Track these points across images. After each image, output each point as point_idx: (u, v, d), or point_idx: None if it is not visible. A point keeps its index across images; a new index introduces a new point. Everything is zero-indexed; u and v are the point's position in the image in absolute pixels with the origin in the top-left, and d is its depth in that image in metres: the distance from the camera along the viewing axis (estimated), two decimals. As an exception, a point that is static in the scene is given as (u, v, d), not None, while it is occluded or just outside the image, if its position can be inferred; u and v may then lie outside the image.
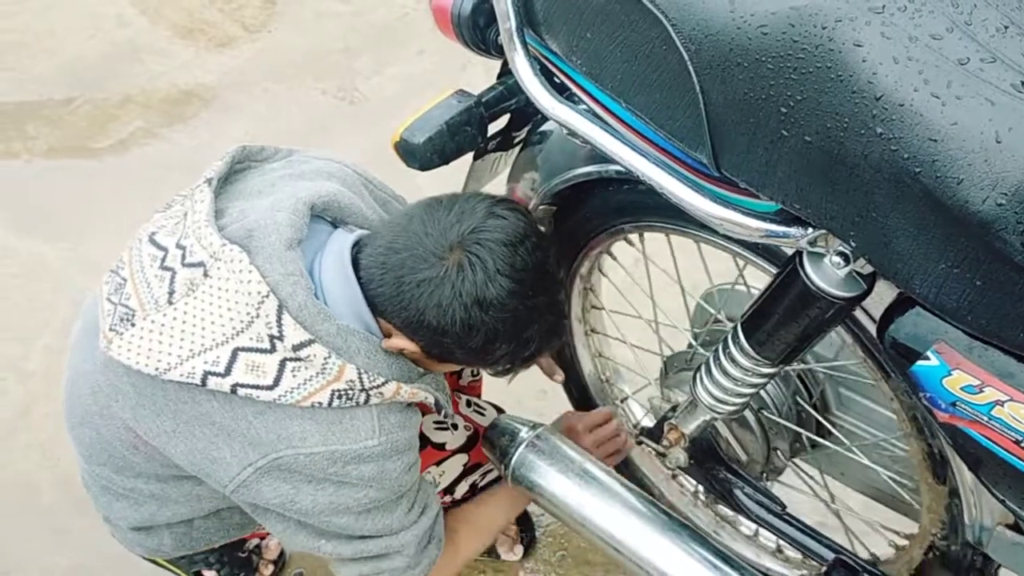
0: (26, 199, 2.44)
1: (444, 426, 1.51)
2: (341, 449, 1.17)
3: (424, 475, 1.37)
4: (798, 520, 1.40)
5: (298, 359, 1.12)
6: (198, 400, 1.16)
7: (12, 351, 2.10)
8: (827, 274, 0.98)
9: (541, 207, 1.41)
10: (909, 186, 0.84)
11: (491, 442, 1.53)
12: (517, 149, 1.42)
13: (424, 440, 1.48)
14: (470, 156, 1.36)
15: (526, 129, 1.39)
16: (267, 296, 1.11)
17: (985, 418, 0.91)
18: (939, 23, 0.85)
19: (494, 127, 1.34)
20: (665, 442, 1.41)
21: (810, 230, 0.96)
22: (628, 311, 1.58)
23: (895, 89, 0.83)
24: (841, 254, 0.97)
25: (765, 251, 1.17)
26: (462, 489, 1.53)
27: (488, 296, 1.11)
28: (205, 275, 1.13)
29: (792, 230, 0.96)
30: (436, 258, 1.11)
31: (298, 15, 2.93)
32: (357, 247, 1.19)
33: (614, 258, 1.50)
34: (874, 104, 0.84)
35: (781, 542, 1.48)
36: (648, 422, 1.61)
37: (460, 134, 1.28)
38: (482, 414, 1.57)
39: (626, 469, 1.57)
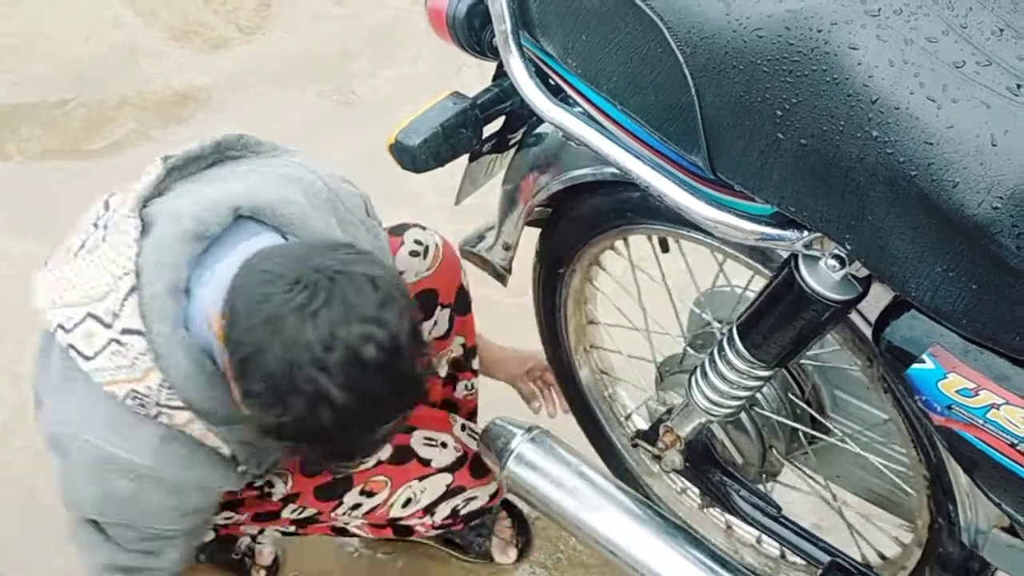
0: (21, 201, 2.43)
1: (433, 443, 1.49)
2: (112, 452, 1.15)
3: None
4: (793, 523, 1.40)
5: (120, 343, 1.12)
6: (55, 350, 1.18)
7: (5, 353, 2.09)
8: (822, 277, 0.98)
9: (536, 209, 1.41)
10: (905, 189, 0.84)
11: (487, 444, 1.53)
12: (512, 151, 1.42)
13: (410, 453, 1.47)
14: (465, 158, 1.36)
15: (521, 131, 1.39)
16: (127, 274, 1.12)
17: (980, 421, 0.91)
18: (935, 26, 0.85)
19: (489, 129, 1.34)
20: (660, 444, 1.41)
21: (805, 233, 0.96)
22: (621, 316, 1.58)
23: (891, 92, 0.83)
24: (837, 257, 0.96)
25: (762, 252, 1.17)
26: (443, 512, 1.51)
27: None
28: (103, 240, 1.16)
29: (787, 233, 0.96)
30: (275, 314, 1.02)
31: (293, 17, 2.92)
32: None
33: (617, 252, 1.49)
34: (870, 107, 0.84)
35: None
36: (643, 424, 1.61)
37: (455, 136, 1.28)
38: (475, 439, 1.55)
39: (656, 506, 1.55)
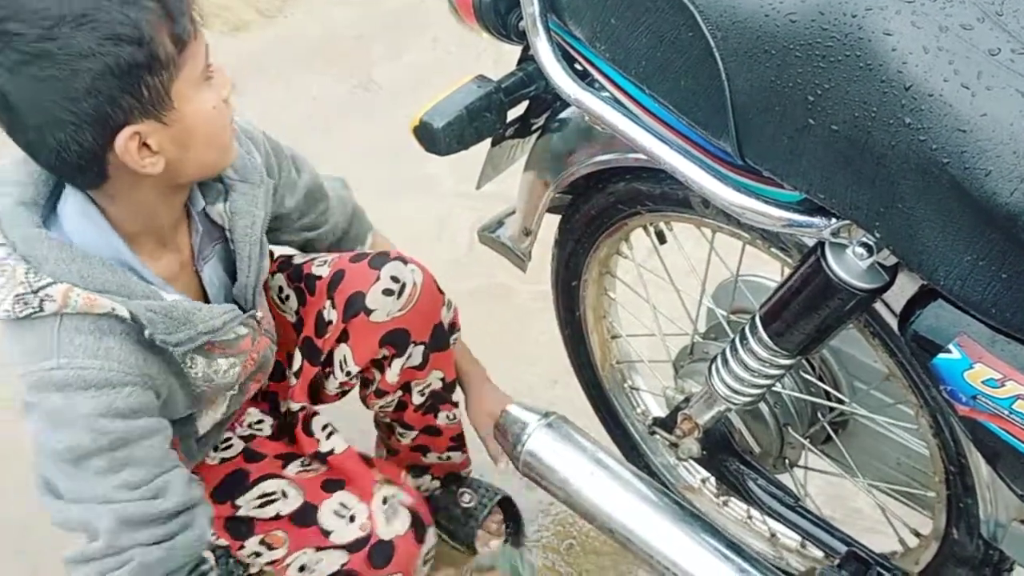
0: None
1: (343, 514, 1.41)
2: (30, 371, 1.11)
3: (195, 477, 1.27)
4: (811, 512, 1.40)
5: None
6: None
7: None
8: (849, 265, 0.98)
9: (556, 196, 1.41)
10: (936, 177, 0.83)
11: (503, 430, 1.53)
12: (535, 136, 1.41)
13: (313, 518, 1.40)
14: (485, 144, 1.36)
15: (544, 116, 1.39)
16: None
17: (1006, 412, 0.90)
18: (970, 13, 0.84)
19: (512, 114, 1.34)
20: (678, 432, 1.41)
21: (833, 220, 0.95)
22: (641, 303, 1.58)
23: (924, 79, 0.82)
24: (864, 245, 0.96)
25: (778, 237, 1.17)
26: None
27: (35, 36, 0.99)
28: None
29: (815, 220, 0.96)
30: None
31: (313, 2, 2.93)
32: None
33: (623, 256, 1.49)
34: (903, 94, 0.83)
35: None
36: (660, 412, 1.61)
37: (479, 120, 1.28)
38: (395, 514, 1.42)
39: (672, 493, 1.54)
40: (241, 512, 1.42)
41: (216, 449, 1.49)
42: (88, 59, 1.01)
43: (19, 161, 1.14)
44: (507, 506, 1.78)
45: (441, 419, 1.62)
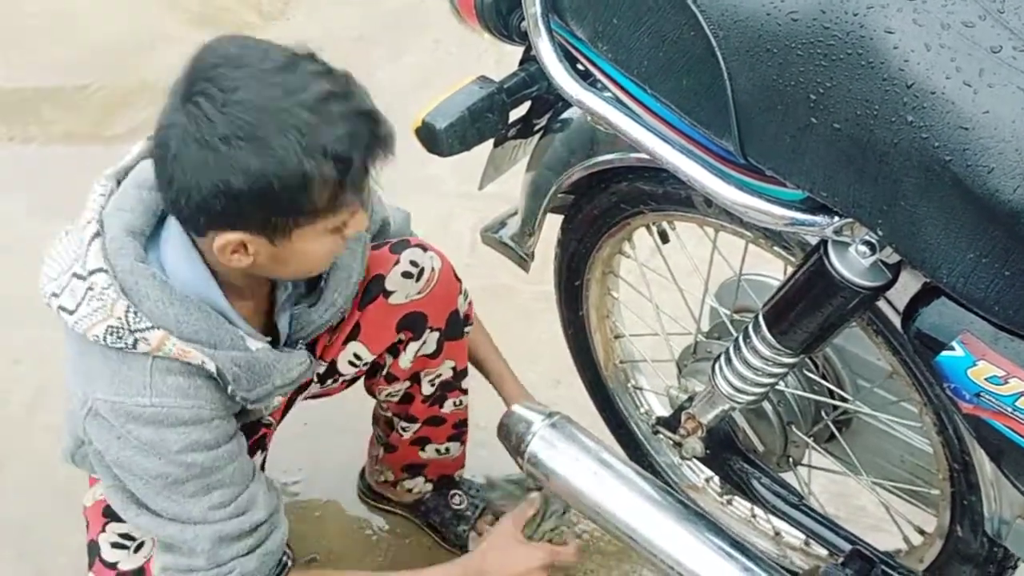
0: (43, 184, 2.45)
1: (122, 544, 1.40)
2: (119, 401, 1.15)
3: (269, 479, 1.31)
4: (814, 511, 1.40)
5: (91, 288, 1.14)
6: (66, 327, 1.18)
7: (28, 334, 2.11)
8: (852, 263, 0.98)
9: (559, 196, 1.41)
10: (939, 175, 0.84)
11: (507, 430, 1.53)
12: (537, 137, 1.42)
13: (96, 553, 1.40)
14: (487, 144, 1.36)
15: (546, 117, 1.39)
16: (89, 222, 1.15)
17: (1009, 409, 0.90)
18: (971, 11, 0.85)
19: (514, 115, 1.34)
20: (682, 431, 1.41)
21: (836, 219, 0.96)
22: (644, 302, 1.58)
23: (927, 77, 0.83)
24: (867, 243, 0.96)
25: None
26: None
27: (232, 124, 0.99)
28: (85, 206, 1.19)
29: (818, 218, 0.96)
30: (171, 128, 1.03)
31: (314, 3, 2.93)
32: None
33: (625, 255, 1.49)
34: (905, 92, 0.83)
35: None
36: (664, 411, 1.61)
37: (481, 120, 1.28)
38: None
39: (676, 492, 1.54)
40: (100, 538, 1.40)
41: None
42: (246, 175, 1.02)
43: (136, 185, 1.17)
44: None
45: (447, 407, 1.62)
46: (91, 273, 1.13)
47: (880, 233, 0.91)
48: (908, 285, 0.99)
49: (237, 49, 1.04)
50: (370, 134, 1.08)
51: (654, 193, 1.29)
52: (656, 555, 1.39)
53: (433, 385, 1.57)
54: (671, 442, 1.44)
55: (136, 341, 1.14)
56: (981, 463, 1.15)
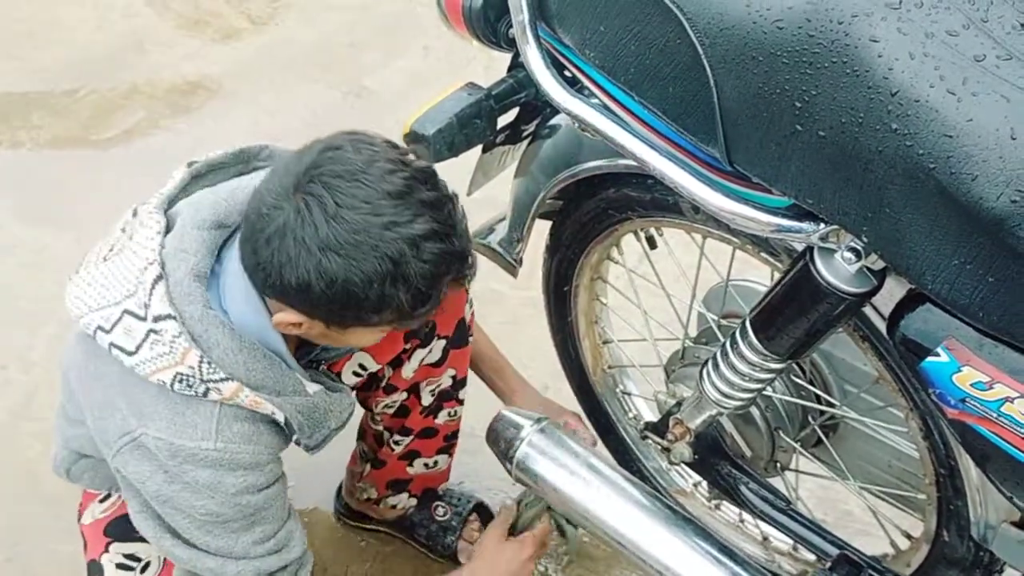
0: (31, 189, 2.44)
1: (127, 566, 1.39)
2: (178, 443, 1.16)
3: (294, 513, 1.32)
4: (802, 515, 1.40)
5: (156, 332, 1.13)
6: (105, 359, 1.18)
7: (17, 340, 2.10)
8: (838, 270, 0.99)
9: (547, 201, 1.42)
10: (923, 182, 0.84)
11: (496, 435, 1.53)
12: (525, 143, 1.42)
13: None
14: (476, 150, 1.36)
15: (535, 123, 1.39)
16: (151, 264, 1.14)
17: (994, 415, 0.91)
18: (955, 20, 0.85)
19: (503, 121, 1.34)
20: (670, 437, 1.41)
21: (822, 225, 0.96)
22: (632, 308, 1.58)
23: (911, 85, 0.83)
24: (853, 250, 0.97)
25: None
26: None
27: (334, 236, 1.01)
28: (130, 238, 1.18)
29: (804, 225, 0.97)
30: (275, 210, 1.04)
31: (304, 8, 2.92)
32: None
33: (614, 261, 1.50)
34: (889, 100, 0.84)
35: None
36: (652, 416, 1.62)
37: (470, 127, 1.29)
38: None
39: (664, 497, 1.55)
40: (104, 559, 1.39)
41: None
42: (329, 283, 1.04)
43: (196, 226, 1.15)
44: (483, 512, 1.78)
45: (441, 417, 1.62)
46: (157, 319, 1.12)
47: (865, 240, 0.92)
48: (893, 291, 1.00)
49: (362, 162, 1.05)
50: (455, 272, 1.10)
51: (641, 199, 1.29)
52: (645, 560, 1.40)
53: (433, 395, 1.57)
54: (659, 447, 1.45)
55: (208, 391, 1.14)
56: (967, 468, 1.15)
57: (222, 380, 1.14)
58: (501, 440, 1.51)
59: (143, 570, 1.39)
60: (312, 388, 1.23)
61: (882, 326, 1.08)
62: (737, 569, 1.35)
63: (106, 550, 1.39)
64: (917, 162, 0.84)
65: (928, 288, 0.89)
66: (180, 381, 1.14)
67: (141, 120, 2.60)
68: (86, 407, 1.25)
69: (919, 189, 0.85)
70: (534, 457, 1.47)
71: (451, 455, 1.71)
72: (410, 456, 1.66)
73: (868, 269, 0.98)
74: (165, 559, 1.37)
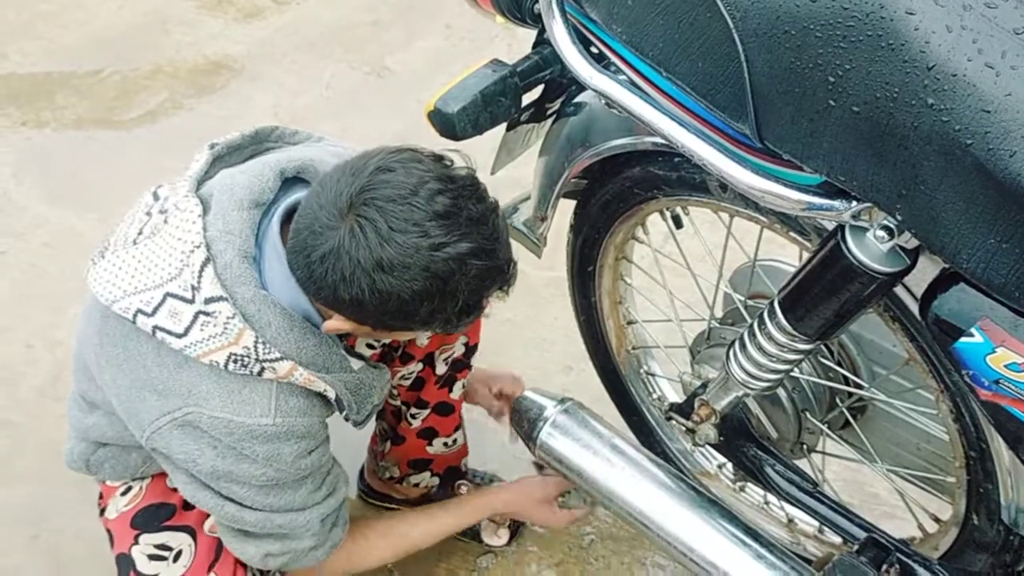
0: (56, 169, 2.45)
1: (159, 556, 1.40)
2: (236, 420, 1.18)
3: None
4: (829, 498, 1.39)
5: (207, 314, 1.15)
6: (140, 339, 1.20)
7: (42, 319, 2.12)
8: (870, 248, 0.97)
9: (572, 180, 1.40)
10: (959, 158, 0.82)
11: (519, 416, 1.53)
12: (550, 121, 1.40)
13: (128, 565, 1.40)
14: (500, 129, 1.35)
15: (559, 101, 1.38)
16: (197, 247, 1.15)
17: (1029, 396, 0.89)
18: (994, -9, 0.83)
19: (527, 98, 1.33)
20: (695, 418, 1.40)
21: (854, 203, 0.94)
22: (657, 288, 1.57)
23: (948, 59, 0.81)
24: (885, 228, 0.95)
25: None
26: None
27: (387, 257, 1.06)
28: (165, 222, 1.19)
29: (836, 203, 0.95)
30: (330, 229, 1.07)
31: (326, -13, 2.92)
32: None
33: (639, 241, 1.48)
34: (926, 74, 0.82)
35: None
36: (676, 398, 1.61)
37: (494, 104, 1.27)
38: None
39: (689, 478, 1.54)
40: (134, 551, 1.40)
41: None
42: (381, 299, 1.08)
43: (237, 207, 1.17)
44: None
45: (456, 390, 1.62)
46: (209, 301, 1.14)
47: (899, 218, 0.90)
48: (926, 270, 0.98)
49: (413, 185, 1.07)
50: (500, 285, 1.15)
51: (667, 178, 1.27)
52: (669, 541, 1.39)
53: (447, 364, 1.58)
54: (684, 429, 1.44)
55: (263, 370, 1.17)
56: (998, 451, 1.14)
57: (277, 360, 1.17)
58: (524, 421, 1.51)
59: (175, 559, 1.40)
60: (356, 364, 1.26)
61: (914, 306, 1.06)
62: (762, 551, 1.34)
63: (136, 542, 1.40)
64: (953, 138, 0.82)
65: (963, 267, 0.87)
66: (235, 361, 1.16)
67: (164, 100, 2.61)
68: (111, 391, 1.26)
69: (955, 165, 0.83)
70: (557, 438, 1.47)
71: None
72: (428, 435, 1.66)
73: (901, 248, 0.97)
74: (197, 546, 1.39)
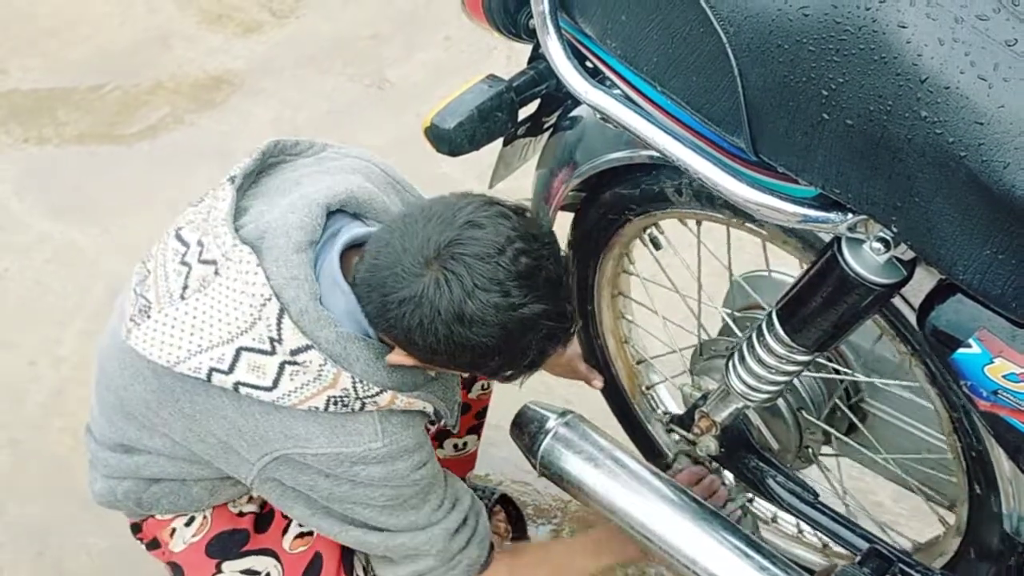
0: (58, 184, 2.46)
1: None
2: (346, 451, 1.18)
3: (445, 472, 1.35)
4: (831, 509, 1.39)
5: (295, 363, 1.14)
6: (211, 393, 1.18)
7: (46, 335, 2.12)
8: (866, 260, 0.97)
9: (570, 193, 1.41)
10: (954, 170, 0.82)
11: (520, 429, 1.52)
12: (546, 135, 1.41)
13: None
14: (498, 142, 1.35)
15: (556, 115, 1.38)
16: (269, 299, 1.13)
17: (1028, 407, 0.89)
18: (986, 4, 0.83)
19: (524, 113, 1.33)
20: (696, 430, 1.40)
21: (850, 216, 0.94)
22: (655, 301, 1.57)
23: (941, 71, 0.81)
24: (881, 240, 0.95)
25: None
26: None
27: (468, 312, 1.08)
28: (216, 273, 1.15)
29: (831, 215, 0.95)
30: (414, 276, 1.08)
31: (325, 2, 2.92)
32: (362, 245, 1.18)
33: (644, 244, 1.48)
34: (919, 87, 0.82)
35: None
36: (678, 410, 1.60)
37: (491, 119, 1.28)
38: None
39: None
40: None
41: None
42: (454, 349, 1.10)
43: (296, 249, 1.15)
44: (507, 504, 1.77)
45: (474, 391, 1.63)
46: (296, 352, 1.13)
47: (894, 230, 0.90)
48: (923, 282, 0.98)
49: (500, 244, 1.09)
50: (563, 343, 1.18)
51: (632, 196, 1.28)
52: (672, 554, 1.39)
53: None
54: (685, 440, 1.43)
55: (364, 405, 1.18)
56: (999, 460, 1.13)
57: (377, 393, 1.17)
58: (525, 434, 1.51)
59: None
60: (431, 372, 1.25)
61: (912, 317, 1.06)
62: (765, 563, 1.34)
63: (219, 571, 1.39)
64: (947, 150, 0.82)
65: (959, 278, 0.87)
66: (335, 404, 1.16)
67: (166, 115, 2.62)
68: (190, 439, 1.24)
69: (949, 177, 0.83)
70: (558, 452, 1.47)
71: (479, 436, 1.71)
72: (440, 436, 1.66)
73: (897, 259, 0.97)
74: (284, 566, 1.39)
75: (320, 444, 1.18)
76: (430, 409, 1.25)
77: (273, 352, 1.13)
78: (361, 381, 1.16)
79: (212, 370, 1.15)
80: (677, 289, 1.47)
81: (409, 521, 1.27)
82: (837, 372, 1.35)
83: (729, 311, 1.41)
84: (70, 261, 2.26)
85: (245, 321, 1.13)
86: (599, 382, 1.57)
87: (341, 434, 1.18)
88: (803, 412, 1.38)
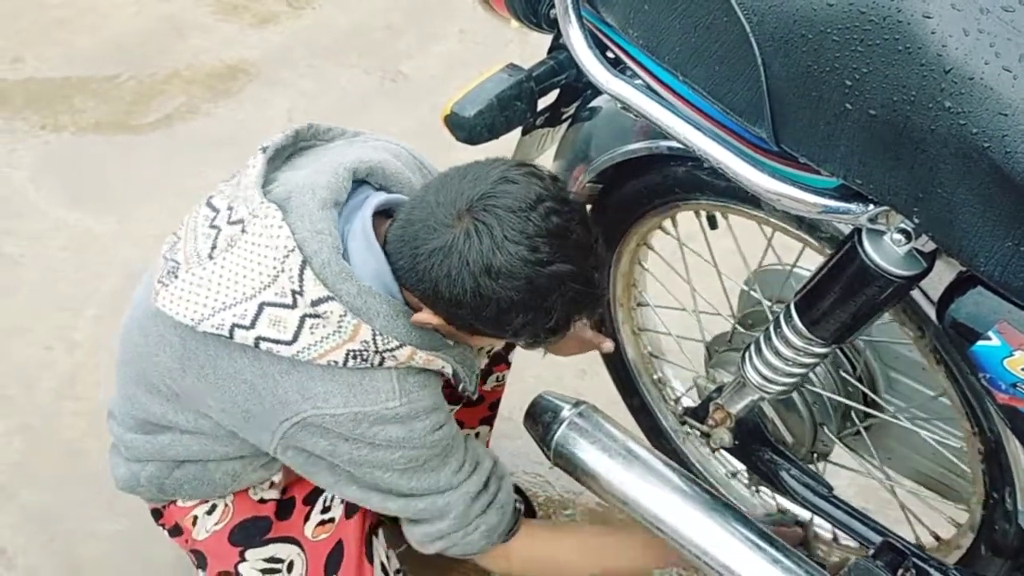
0: (74, 172, 2.47)
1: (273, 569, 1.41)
2: (363, 411, 1.19)
3: (470, 432, 1.36)
4: (845, 502, 1.39)
5: (316, 315, 1.14)
6: (232, 355, 1.19)
7: (60, 321, 2.13)
8: (887, 252, 0.97)
9: (588, 184, 1.41)
10: (977, 161, 0.82)
11: (533, 419, 1.53)
12: (565, 125, 1.41)
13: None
14: (516, 133, 1.35)
15: (575, 105, 1.38)
16: (292, 251, 1.13)
17: (1047, 400, 0.89)
18: (1012, -5, 0.83)
19: (543, 103, 1.33)
20: (710, 422, 1.40)
21: (871, 206, 0.94)
22: (671, 292, 1.56)
23: (965, 62, 0.81)
24: (902, 231, 0.95)
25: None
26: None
27: (496, 264, 1.08)
28: (243, 231, 1.17)
29: (852, 206, 0.95)
30: (445, 227, 1.10)
31: (341, -8, 2.93)
32: (389, 215, 1.20)
33: (665, 232, 1.48)
34: (943, 77, 0.82)
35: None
36: (691, 402, 1.61)
37: (510, 108, 1.28)
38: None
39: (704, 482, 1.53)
40: (243, 568, 1.40)
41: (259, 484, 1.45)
42: (479, 302, 1.11)
43: (321, 206, 1.16)
44: (520, 495, 1.76)
45: (489, 383, 1.63)
46: (316, 303, 1.13)
47: (916, 221, 0.90)
48: (943, 274, 0.98)
49: (532, 200, 1.10)
50: (588, 313, 1.19)
51: (716, 186, 1.26)
52: (684, 545, 1.39)
53: (488, 356, 1.58)
54: (699, 432, 1.44)
55: (383, 360, 1.18)
56: (1015, 454, 1.13)
57: (397, 348, 1.17)
58: (539, 424, 1.51)
59: (289, 569, 1.40)
60: (451, 341, 1.26)
61: (931, 309, 1.06)
62: (777, 555, 1.34)
63: (242, 559, 1.40)
64: (971, 141, 0.82)
65: (980, 270, 0.87)
66: (354, 357, 1.16)
67: (181, 105, 2.62)
68: (214, 407, 1.25)
69: (972, 168, 0.83)
70: (572, 443, 1.47)
71: (491, 427, 1.71)
72: None
73: (918, 251, 0.97)
74: (307, 554, 1.40)
75: (337, 403, 1.18)
76: (448, 370, 1.25)
77: (294, 305, 1.14)
78: (381, 334, 1.16)
79: (234, 326, 1.16)
80: (716, 263, 1.45)
81: (429, 484, 1.27)
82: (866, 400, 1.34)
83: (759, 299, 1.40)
84: (85, 248, 2.27)
85: (268, 275, 1.14)
86: (609, 345, 1.56)
87: (359, 392, 1.18)
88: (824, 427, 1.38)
